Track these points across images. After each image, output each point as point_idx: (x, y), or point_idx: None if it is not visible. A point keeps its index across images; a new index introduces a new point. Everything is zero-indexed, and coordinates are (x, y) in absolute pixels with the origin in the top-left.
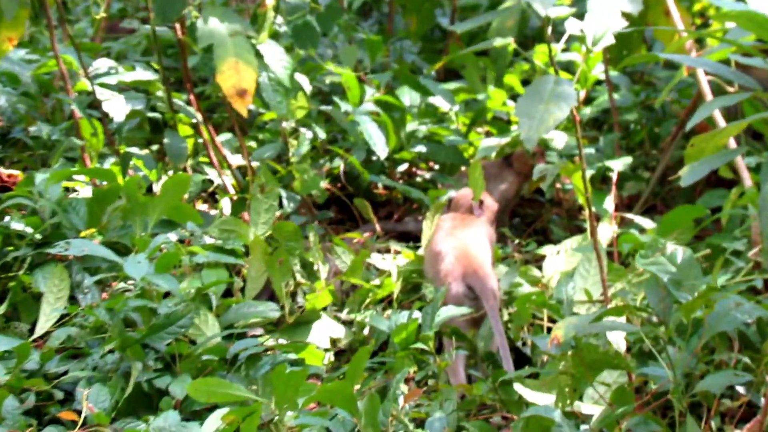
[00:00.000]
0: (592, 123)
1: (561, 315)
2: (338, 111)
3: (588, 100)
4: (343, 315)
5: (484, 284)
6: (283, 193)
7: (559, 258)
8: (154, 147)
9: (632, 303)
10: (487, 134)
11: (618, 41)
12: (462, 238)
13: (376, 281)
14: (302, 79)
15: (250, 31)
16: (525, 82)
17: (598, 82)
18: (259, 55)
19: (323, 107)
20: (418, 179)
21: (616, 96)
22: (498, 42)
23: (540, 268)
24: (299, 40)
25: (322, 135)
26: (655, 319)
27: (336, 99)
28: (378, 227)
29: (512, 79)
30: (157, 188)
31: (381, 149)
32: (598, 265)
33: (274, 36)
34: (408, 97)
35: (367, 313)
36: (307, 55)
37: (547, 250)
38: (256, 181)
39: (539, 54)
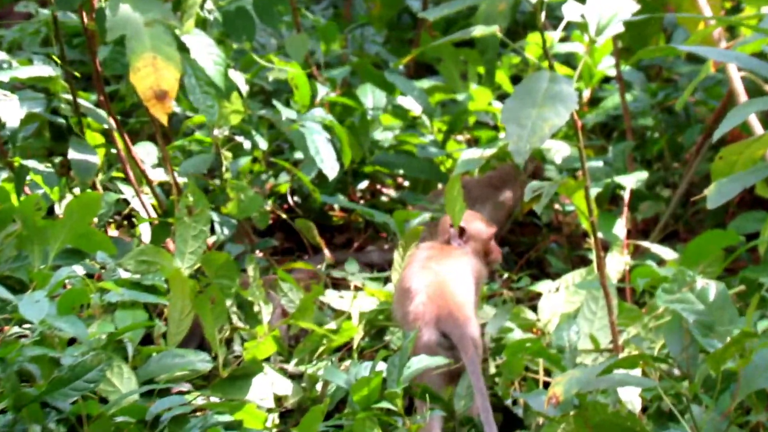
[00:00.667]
0: (599, 130)
1: (561, 367)
2: (281, 117)
3: (593, 102)
4: (291, 367)
5: (462, 330)
6: (216, 217)
7: (559, 296)
8: (57, 159)
9: (649, 352)
10: (469, 143)
11: (629, 29)
12: (438, 273)
13: (332, 325)
14: (237, 76)
15: (171, 19)
16: (515, 80)
17: (606, 80)
18: (183, 48)
19: (265, 111)
20: (384, 199)
21: (628, 96)
22: (481, 30)
23: (535, 308)
24: (232, 29)
25: (263, 145)
26: (677, 371)
27: (277, 103)
28: (328, 254)
29: (499, 76)
30: (59, 210)
31: (329, 168)
32: (606, 305)
33: (202, 25)
34: (371, 97)
35: (320, 365)
36: (243, 47)
37: (543, 286)
38: (182, 201)
39: (532, 45)
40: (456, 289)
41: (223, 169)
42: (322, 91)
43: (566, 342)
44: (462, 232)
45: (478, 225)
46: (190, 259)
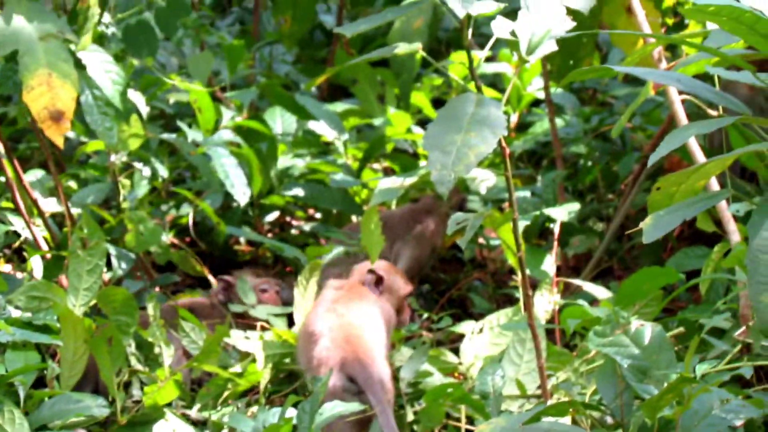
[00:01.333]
0: (527, 157)
1: (485, 414)
2: (185, 141)
3: (521, 127)
4: (194, 413)
5: (369, 373)
6: (113, 250)
7: (482, 338)
8: None
9: (579, 398)
10: (386, 172)
11: (562, 48)
12: (344, 316)
13: (237, 368)
14: (137, 97)
15: (68, 33)
16: (437, 103)
17: (536, 103)
18: (80, 65)
19: (166, 135)
20: (294, 232)
21: (559, 121)
22: (402, 49)
23: (456, 351)
24: (133, 45)
25: (164, 173)
26: (609, 419)
27: (182, 124)
28: (214, 283)
29: (420, 99)
30: None
31: (240, 193)
32: (533, 347)
33: (100, 40)
34: (280, 121)
35: (225, 411)
36: (144, 65)
37: (466, 327)
38: (76, 233)
39: (456, 65)
40: (363, 331)
41: (121, 198)
42: (228, 114)
43: (490, 387)
44: (379, 281)
45: (397, 280)
46: (85, 295)
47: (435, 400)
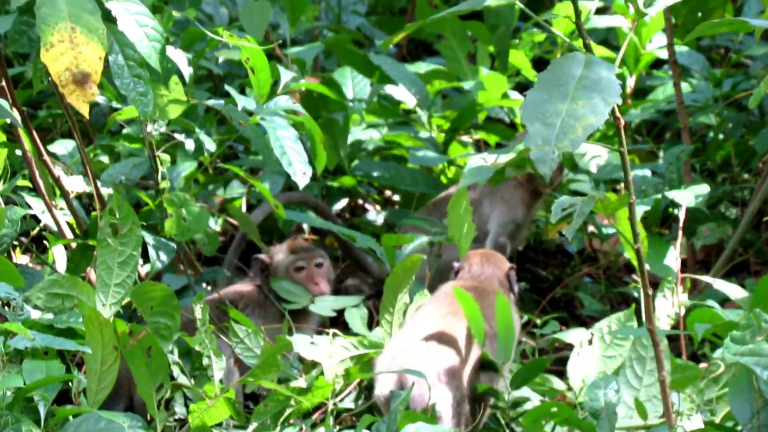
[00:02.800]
0: (647, 129)
1: None
2: (235, 108)
3: (639, 93)
4: None
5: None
6: (150, 239)
7: (593, 350)
8: None
9: (710, 419)
10: (478, 146)
11: None
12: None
13: (301, 381)
14: (178, 55)
15: None
16: (538, 64)
17: (657, 64)
18: (109, 18)
19: (212, 102)
20: (370, 216)
21: (684, 86)
22: (496, 0)
23: (562, 362)
24: None
25: (211, 146)
26: None
27: (230, 89)
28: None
29: (518, 58)
30: None
31: (300, 173)
32: (654, 358)
33: None
34: (351, 85)
35: None
36: (186, 17)
37: (573, 335)
38: (106, 218)
39: (561, 18)
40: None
41: (159, 177)
42: (287, 75)
43: (602, 403)
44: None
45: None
46: (117, 292)
47: (536, 422)
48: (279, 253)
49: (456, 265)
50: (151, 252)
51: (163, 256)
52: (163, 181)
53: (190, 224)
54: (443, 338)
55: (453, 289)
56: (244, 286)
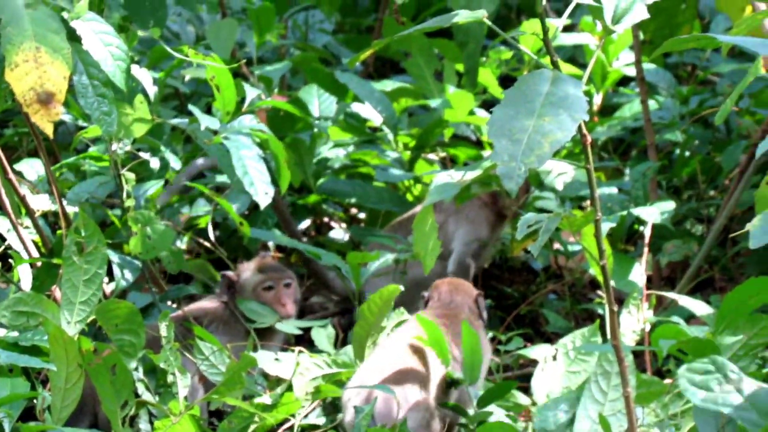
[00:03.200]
0: (614, 146)
1: None
2: (200, 128)
3: (606, 110)
4: None
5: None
6: (115, 257)
7: (557, 366)
8: None
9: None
10: (444, 164)
11: (656, 14)
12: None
13: (265, 397)
14: (143, 74)
15: None
16: (505, 81)
17: (624, 81)
18: (74, 37)
19: (176, 120)
20: (335, 234)
21: (651, 104)
22: (464, 17)
23: (526, 378)
24: (137, 12)
25: (177, 165)
26: None
27: (194, 108)
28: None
29: (485, 76)
30: None
31: (262, 193)
32: (620, 374)
33: (98, 6)
34: (317, 103)
35: None
36: (151, 36)
37: (538, 351)
38: (71, 236)
39: (528, 36)
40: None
41: (125, 195)
42: (253, 93)
43: (552, 426)
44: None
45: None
46: (82, 310)
47: None
48: (246, 271)
49: (425, 294)
50: (116, 270)
51: (128, 275)
52: (128, 200)
53: (155, 242)
54: (410, 361)
55: (416, 316)
56: (209, 303)
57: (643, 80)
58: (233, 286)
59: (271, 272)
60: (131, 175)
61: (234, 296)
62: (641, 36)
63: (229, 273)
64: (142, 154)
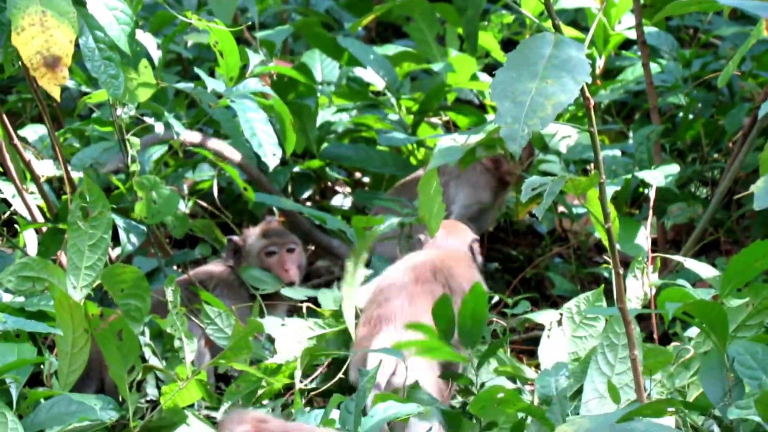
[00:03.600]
0: (617, 109)
1: (548, 423)
2: (204, 91)
3: (609, 74)
4: (220, 415)
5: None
6: (120, 222)
7: (563, 330)
8: None
9: (680, 399)
10: (447, 127)
11: None
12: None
13: (274, 359)
14: (147, 39)
15: None
16: (507, 45)
17: (626, 44)
18: (79, 1)
19: (182, 85)
20: (338, 199)
21: (654, 67)
22: None
23: (533, 341)
24: None
25: (180, 129)
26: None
27: (200, 71)
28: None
29: (487, 39)
30: None
31: (270, 154)
32: (626, 346)
33: None
34: (319, 68)
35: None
36: (155, 1)
37: (544, 316)
38: (76, 201)
39: (529, 0)
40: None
41: (129, 160)
42: (256, 59)
43: (553, 390)
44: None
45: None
46: (87, 275)
47: (483, 408)
48: (251, 236)
49: (421, 237)
50: (122, 235)
51: (134, 239)
52: (133, 165)
53: (160, 207)
54: (416, 314)
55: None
56: (215, 267)
57: (645, 43)
58: (239, 251)
59: (274, 237)
60: (136, 140)
61: (239, 261)
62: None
63: (235, 237)
64: (146, 119)
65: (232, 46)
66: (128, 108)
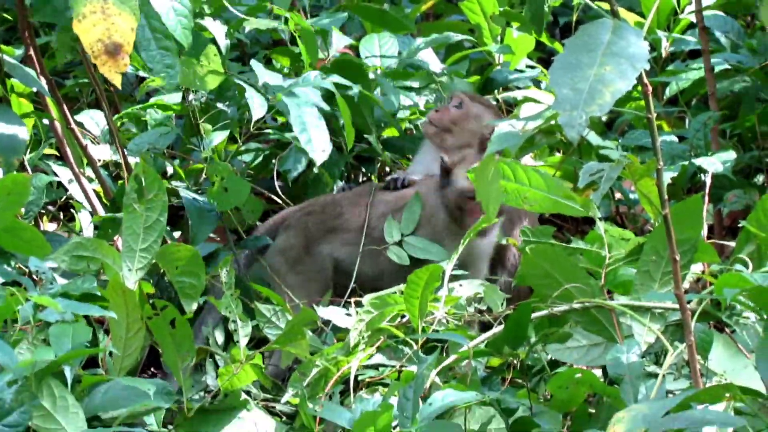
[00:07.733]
0: (675, 96)
1: (620, 403)
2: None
3: (668, 60)
4: (280, 402)
5: None
6: (192, 208)
7: None
8: None
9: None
10: (501, 110)
11: None
12: None
13: (335, 349)
14: (217, 27)
15: None
16: (564, 30)
17: (686, 28)
18: None
19: (241, 82)
20: None
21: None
22: None
23: None
24: None
25: (260, 112)
26: None
27: (257, 64)
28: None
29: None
30: None
31: (319, 151)
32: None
33: None
34: (377, 50)
35: (318, 401)
36: None
37: None
38: (131, 184)
39: None
40: None
41: (202, 147)
42: (341, 40)
43: (625, 368)
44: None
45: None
46: (143, 258)
47: (560, 388)
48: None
49: (445, 158)
50: (193, 222)
51: (206, 225)
52: (206, 151)
53: (231, 194)
54: None
55: None
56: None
57: (705, 28)
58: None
59: None
60: (208, 126)
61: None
62: None
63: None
64: (219, 105)
65: (310, 35)
66: (200, 94)
